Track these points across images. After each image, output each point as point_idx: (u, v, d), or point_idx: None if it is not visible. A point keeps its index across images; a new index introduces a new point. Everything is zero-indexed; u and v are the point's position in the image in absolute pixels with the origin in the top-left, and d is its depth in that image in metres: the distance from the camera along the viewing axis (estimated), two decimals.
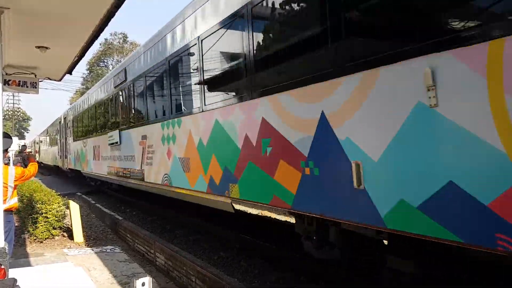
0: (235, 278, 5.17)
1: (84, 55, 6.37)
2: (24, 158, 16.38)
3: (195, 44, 6.19)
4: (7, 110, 77.15)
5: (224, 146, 5.41)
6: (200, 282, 4.71)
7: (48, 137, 28.61)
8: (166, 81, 7.42)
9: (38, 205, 7.50)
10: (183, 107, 6.84)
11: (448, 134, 2.73)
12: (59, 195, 8.40)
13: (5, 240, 3.65)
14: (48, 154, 28.16)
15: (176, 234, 8.12)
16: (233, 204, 5.43)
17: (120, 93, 10.51)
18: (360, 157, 3.38)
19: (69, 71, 7.67)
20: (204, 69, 5.99)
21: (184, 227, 8.65)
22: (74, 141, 17.63)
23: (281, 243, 6.26)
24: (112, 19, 4.71)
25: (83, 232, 7.89)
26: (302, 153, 4.01)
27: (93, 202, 12.48)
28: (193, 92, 6.44)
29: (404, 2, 3.20)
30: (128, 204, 12.97)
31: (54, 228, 7.64)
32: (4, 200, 4.70)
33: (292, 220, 6.26)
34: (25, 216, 8.52)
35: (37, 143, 39.46)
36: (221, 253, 6.51)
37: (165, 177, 7.32)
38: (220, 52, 5.75)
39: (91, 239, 7.87)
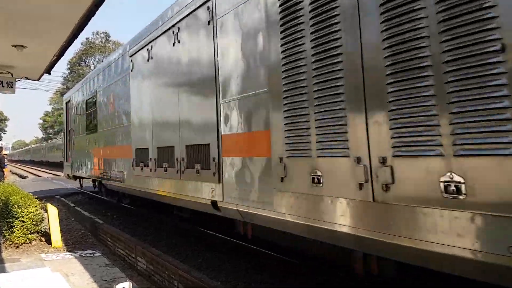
0: (219, 280, 5.13)
1: (63, 54, 6.24)
2: (1, 159, 15.92)
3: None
4: None
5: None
6: (183, 286, 4.63)
7: None
8: None
9: (14, 209, 7.26)
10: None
11: None
12: (36, 198, 8.17)
13: None
14: None
15: (159, 237, 7.99)
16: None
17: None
18: None
19: (48, 71, 7.50)
20: None
21: (168, 230, 8.53)
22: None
23: (267, 245, 6.23)
24: (93, 18, 4.61)
25: (61, 236, 7.68)
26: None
27: (72, 205, 12.20)
28: None
29: None
30: (109, 207, 12.72)
31: (31, 233, 7.41)
32: None
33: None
34: (0, 220, 8.26)
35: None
36: (207, 255, 6.44)
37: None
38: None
39: (70, 244, 7.67)
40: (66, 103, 14.48)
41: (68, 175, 14.26)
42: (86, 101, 11.27)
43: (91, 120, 10.78)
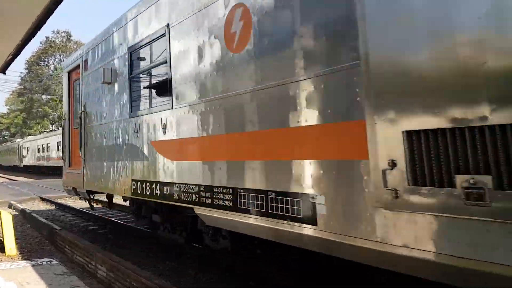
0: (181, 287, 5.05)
1: (19, 54, 5.95)
2: None
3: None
4: None
5: None
6: None
7: None
8: None
9: None
10: None
11: None
12: None
13: None
14: None
15: (119, 244, 7.77)
16: None
17: None
18: None
19: (3, 70, 7.14)
20: None
21: (128, 236, 8.31)
22: None
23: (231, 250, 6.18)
24: (52, 16, 4.43)
25: (16, 244, 7.31)
26: None
27: (28, 211, 11.66)
28: None
29: None
30: (68, 212, 12.28)
31: None
32: None
33: None
34: None
35: None
36: (167, 262, 6.32)
37: None
38: None
39: (26, 252, 7.31)
40: (70, 72, 8.92)
41: (74, 189, 8.48)
42: (131, 54, 6.19)
43: (150, 87, 5.97)
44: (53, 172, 34.81)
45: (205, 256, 6.31)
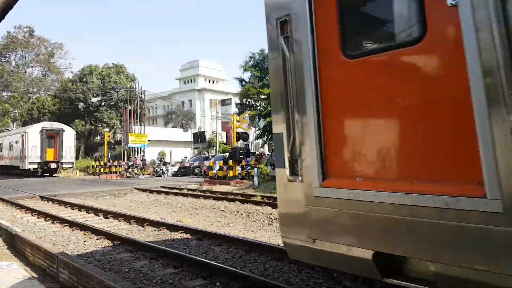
0: None
1: None
2: None
3: None
4: None
5: None
6: None
7: None
8: None
9: None
10: None
11: None
12: None
13: None
14: None
15: (84, 246, 7.57)
16: None
17: None
18: None
19: None
20: None
21: (93, 237, 8.11)
22: None
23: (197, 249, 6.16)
24: (13, 12, 4.26)
25: None
26: None
27: None
28: None
29: None
30: (28, 212, 11.85)
31: None
32: None
33: None
34: None
35: None
36: (134, 264, 6.21)
37: None
38: None
39: None
40: None
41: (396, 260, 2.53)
42: None
43: None
44: (7, 171, 35.94)
45: (172, 256, 6.20)
